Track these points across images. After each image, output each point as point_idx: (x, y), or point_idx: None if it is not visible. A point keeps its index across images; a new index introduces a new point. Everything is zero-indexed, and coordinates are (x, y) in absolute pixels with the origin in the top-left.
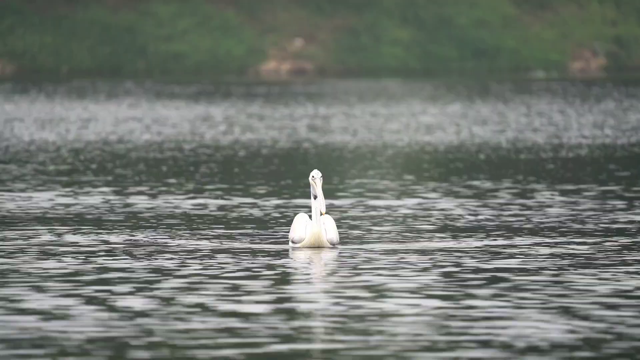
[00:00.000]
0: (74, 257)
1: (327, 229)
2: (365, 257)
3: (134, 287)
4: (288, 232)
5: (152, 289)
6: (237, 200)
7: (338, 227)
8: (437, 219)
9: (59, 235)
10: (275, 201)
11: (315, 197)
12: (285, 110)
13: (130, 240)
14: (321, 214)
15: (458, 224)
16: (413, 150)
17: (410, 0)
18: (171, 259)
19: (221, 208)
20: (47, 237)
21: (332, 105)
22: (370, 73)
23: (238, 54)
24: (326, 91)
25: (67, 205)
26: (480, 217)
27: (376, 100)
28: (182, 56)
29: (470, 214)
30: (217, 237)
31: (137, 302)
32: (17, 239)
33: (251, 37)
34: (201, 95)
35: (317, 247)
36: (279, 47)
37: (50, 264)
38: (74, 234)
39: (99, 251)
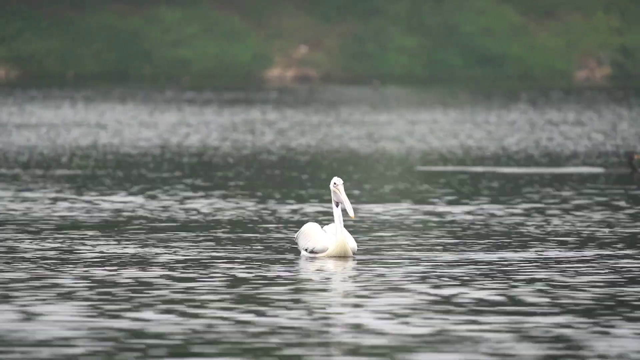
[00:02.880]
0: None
1: (346, 238)
2: (384, 267)
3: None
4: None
5: (161, 298)
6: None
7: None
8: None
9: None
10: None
11: (337, 205)
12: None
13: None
14: (349, 218)
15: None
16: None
17: (416, 8)
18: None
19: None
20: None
21: (390, 112)
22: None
23: (243, 60)
24: (350, 97)
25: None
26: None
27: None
28: (187, 62)
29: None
30: (236, 243)
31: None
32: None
33: (257, 44)
34: (240, 101)
35: (342, 256)
36: (284, 53)
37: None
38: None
39: (110, 259)
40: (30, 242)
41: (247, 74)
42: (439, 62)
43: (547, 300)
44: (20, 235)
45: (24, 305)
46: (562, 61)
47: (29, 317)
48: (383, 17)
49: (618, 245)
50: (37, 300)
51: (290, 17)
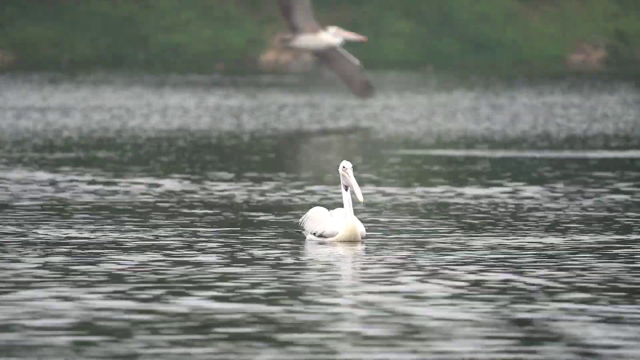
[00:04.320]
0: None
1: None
2: (392, 251)
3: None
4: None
5: (164, 281)
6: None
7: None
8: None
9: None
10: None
11: (346, 188)
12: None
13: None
14: (360, 202)
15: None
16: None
17: None
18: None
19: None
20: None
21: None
22: (371, 66)
23: (238, 44)
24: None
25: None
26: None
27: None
28: (182, 47)
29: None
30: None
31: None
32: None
33: (251, 28)
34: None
35: (352, 241)
36: (279, 37)
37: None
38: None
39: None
40: (60, 227)
41: (241, 58)
42: (434, 48)
43: (561, 285)
44: (54, 221)
45: (59, 290)
46: (557, 46)
47: (64, 301)
48: (378, 2)
49: None
50: (61, 286)
51: None
